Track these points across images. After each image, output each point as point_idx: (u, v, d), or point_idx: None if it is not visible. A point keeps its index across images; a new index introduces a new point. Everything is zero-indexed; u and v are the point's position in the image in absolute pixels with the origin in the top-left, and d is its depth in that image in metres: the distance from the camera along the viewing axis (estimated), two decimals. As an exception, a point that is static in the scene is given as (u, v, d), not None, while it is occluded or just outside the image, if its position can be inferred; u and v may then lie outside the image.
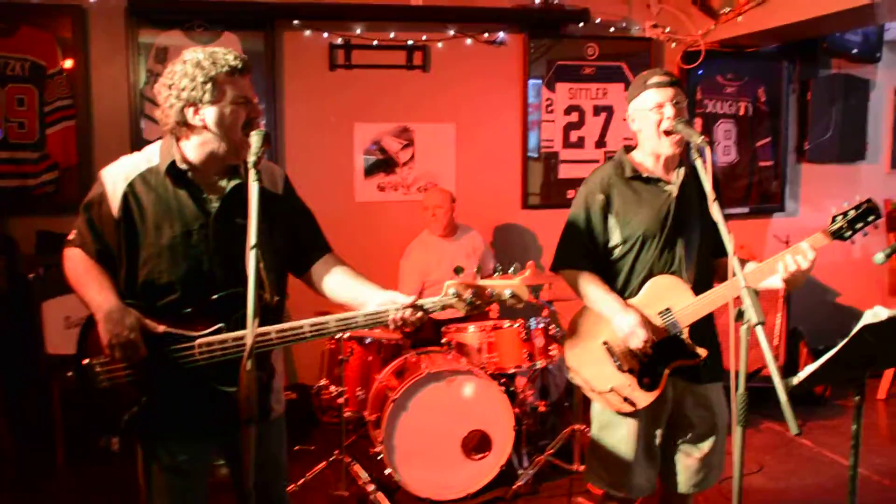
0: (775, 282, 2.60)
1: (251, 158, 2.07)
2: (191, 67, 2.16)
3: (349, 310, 2.27)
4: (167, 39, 5.03)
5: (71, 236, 2.30)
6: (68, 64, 4.91)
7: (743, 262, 2.62)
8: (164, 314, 2.20)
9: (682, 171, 2.78)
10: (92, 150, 4.96)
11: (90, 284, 2.20)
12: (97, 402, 2.23)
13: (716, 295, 2.65)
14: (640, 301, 2.74)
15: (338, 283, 2.39)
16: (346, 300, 2.36)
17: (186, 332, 2.19)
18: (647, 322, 2.68)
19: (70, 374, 2.24)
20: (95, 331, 2.16)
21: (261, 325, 2.06)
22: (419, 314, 2.20)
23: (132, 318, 2.13)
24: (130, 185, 2.23)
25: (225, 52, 2.21)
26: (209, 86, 2.15)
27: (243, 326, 2.12)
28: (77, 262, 2.26)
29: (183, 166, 2.24)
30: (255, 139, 2.11)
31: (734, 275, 2.21)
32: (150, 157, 2.29)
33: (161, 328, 2.17)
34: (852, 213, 2.53)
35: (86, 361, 2.20)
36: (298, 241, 2.45)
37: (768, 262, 2.59)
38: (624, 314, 2.68)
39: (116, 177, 2.25)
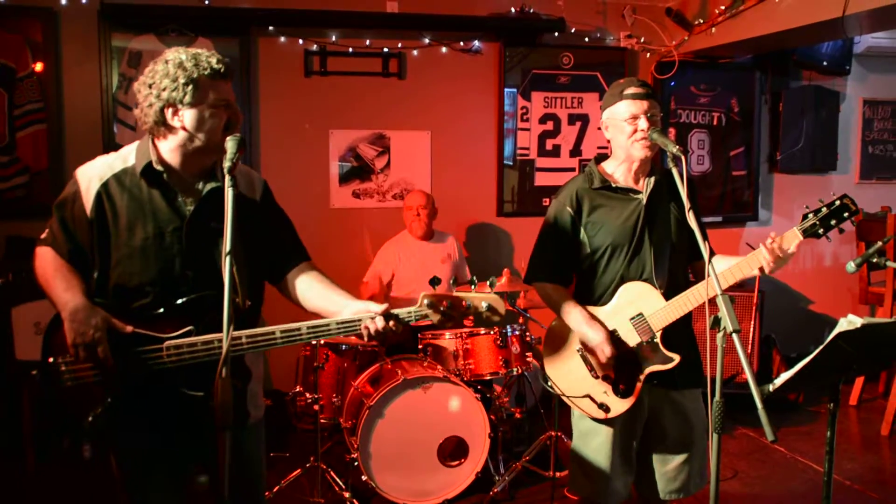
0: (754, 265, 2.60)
1: (226, 164, 2.05)
2: (173, 68, 2.13)
3: (323, 318, 2.25)
4: (140, 44, 4.99)
5: (43, 235, 2.27)
6: (39, 67, 4.85)
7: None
8: (136, 316, 2.17)
9: (651, 179, 2.80)
10: (63, 154, 4.91)
11: (58, 283, 2.17)
12: (62, 402, 2.19)
13: (687, 298, 2.66)
14: (612, 308, 2.76)
15: (312, 291, 2.37)
16: (320, 308, 2.33)
17: (155, 334, 2.16)
18: (614, 337, 2.71)
19: (34, 372, 2.21)
20: (62, 330, 2.12)
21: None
22: (391, 323, 2.16)
23: (98, 318, 2.10)
24: (104, 185, 2.20)
25: (208, 55, 2.18)
26: (190, 87, 2.12)
27: (213, 329, 2.14)
28: (47, 261, 2.23)
29: (159, 167, 2.21)
30: (230, 145, 2.09)
31: (708, 278, 2.22)
32: (126, 157, 2.26)
33: (129, 328, 2.14)
34: (825, 211, 2.53)
35: (50, 360, 2.17)
36: (275, 248, 2.42)
37: (740, 264, 2.60)
38: (591, 329, 2.71)
39: (91, 176, 2.22)
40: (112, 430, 2.21)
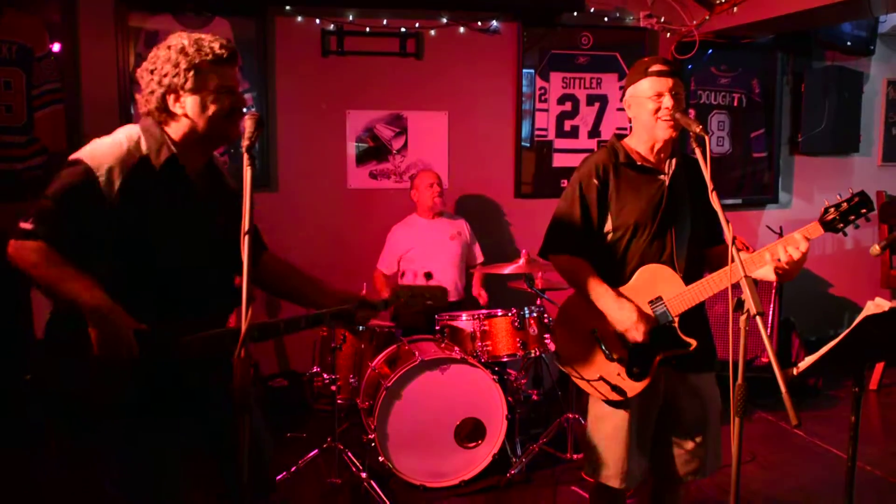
0: (767, 272, 2.58)
1: (244, 143, 2.02)
2: (174, 53, 2.12)
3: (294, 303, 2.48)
4: (157, 24, 4.98)
5: (28, 226, 2.02)
6: (56, 47, 4.85)
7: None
8: (148, 308, 2.12)
9: (673, 160, 2.76)
10: (81, 134, 4.91)
11: (74, 281, 2.03)
12: (73, 401, 2.13)
13: (708, 284, 2.62)
14: (631, 289, 2.72)
15: (290, 279, 2.50)
16: (301, 295, 2.50)
17: (168, 329, 2.12)
18: (645, 314, 2.66)
19: (28, 377, 2.16)
20: (69, 328, 2.07)
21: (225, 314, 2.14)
22: (368, 312, 2.45)
23: (126, 318, 2.05)
24: (127, 176, 2.11)
25: (211, 40, 2.15)
26: (192, 73, 2.11)
27: (221, 322, 2.20)
28: (47, 256, 2.03)
29: (183, 164, 2.19)
30: (248, 123, 2.06)
31: (733, 263, 2.19)
32: (137, 143, 2.16)
33: (143, 327, 2.08)
34: (844, 206, 2.50)
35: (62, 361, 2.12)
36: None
37: (760, 253, 2.57)
38: (622, 308, 2.67)
39: (111, 165, 2.09)
40: (127, 427, 2.18)
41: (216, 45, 2.14)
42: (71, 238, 2.06)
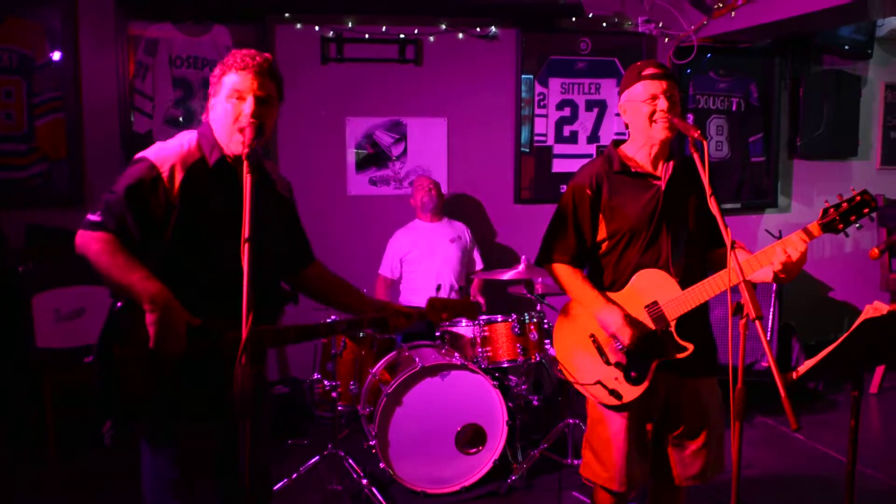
0: (766, 274, 2.58)
1: (244, 150, 2.11)
2: (218, 65, 2.33)
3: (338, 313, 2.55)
4: (157, 32, 5.00)
5: (96, 218, 2.13)
6: (57, 56, 4.86)
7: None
8: (197, 305, 2.16)
9: (670, 164, 2.77)
10: (82, 142, 4.91)
11: (134, 270, 2.09)
12: (118, 388, 2.17)
13: (704, 287, 2.62)
14: (626, 294, 2.73)
15: (334, 287, 2.63)
16: (344, 304, 2.62)
17: (216, 326, 2.18)
18: (632, 319, 2.68)
19: (89, 359, 2.20)
20: (129, 318, 2.11)
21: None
22: (402, 319, 2.51)
23: (182, 310, 2.11)
24: (188, 174, 2.21)
25: (238, 51, 2.32)
26: (215, 80, 2.29)
27: (263, 320, 2.22)
28: (111, 246, 2.11)
29: (231, 164, 2.29)
30: (248, 131, 2.16)
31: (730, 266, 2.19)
32: (196, 145, 2.29)
33: (197, 321, 2.14)
34: (844, 206, 2.49)
35: (117, 348, 2.16)
36: (296, 245, 2.59)
37: (758, 255, 2.58)
38: (609, 312, 2.68)
39: (174, 163, 2.21)
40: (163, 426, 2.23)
41: (238, 55, 2.30)
42: (134, 230, 2.15)
